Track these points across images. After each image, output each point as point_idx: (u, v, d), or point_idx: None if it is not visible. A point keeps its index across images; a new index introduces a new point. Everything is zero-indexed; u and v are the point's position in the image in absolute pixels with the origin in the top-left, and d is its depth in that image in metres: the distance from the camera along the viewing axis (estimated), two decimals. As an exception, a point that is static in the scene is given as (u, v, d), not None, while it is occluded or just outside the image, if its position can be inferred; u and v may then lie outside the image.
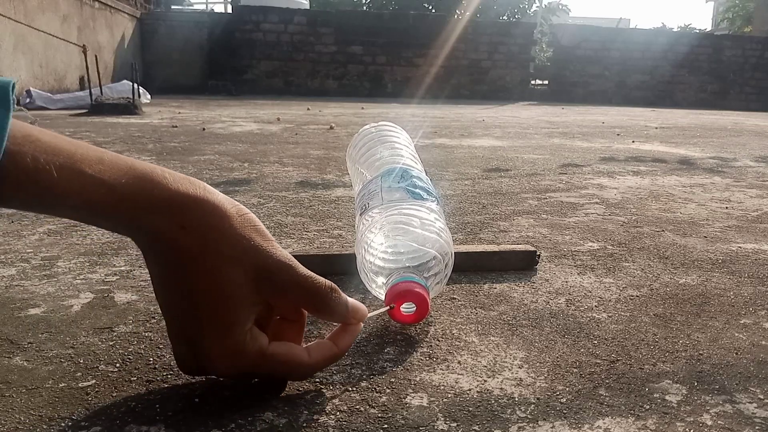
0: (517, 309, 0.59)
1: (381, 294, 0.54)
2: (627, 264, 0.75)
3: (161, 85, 6.59)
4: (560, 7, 20.10)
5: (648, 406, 0.41)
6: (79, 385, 0.42)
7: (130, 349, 0.48)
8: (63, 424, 0.37)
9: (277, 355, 0.40)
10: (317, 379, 0.44)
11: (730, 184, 1.46)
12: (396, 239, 0.56)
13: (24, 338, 0.50)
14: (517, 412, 0.40)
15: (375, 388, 0.43)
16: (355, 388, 0.43)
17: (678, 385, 0.44)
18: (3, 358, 0.46)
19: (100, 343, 0.49)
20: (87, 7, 5.48)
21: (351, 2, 16.74)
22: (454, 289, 0.64)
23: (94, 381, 0.43)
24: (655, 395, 0.43)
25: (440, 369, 0.46)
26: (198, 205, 0.37)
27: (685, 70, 8.68)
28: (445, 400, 0.41)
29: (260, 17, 7.58)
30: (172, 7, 8.79)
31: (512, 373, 0.46)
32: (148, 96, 4.68)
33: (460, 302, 0.60)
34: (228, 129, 2.61)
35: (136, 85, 3.93)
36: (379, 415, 0.39)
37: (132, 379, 0.43)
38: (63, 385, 0.42)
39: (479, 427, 0.38)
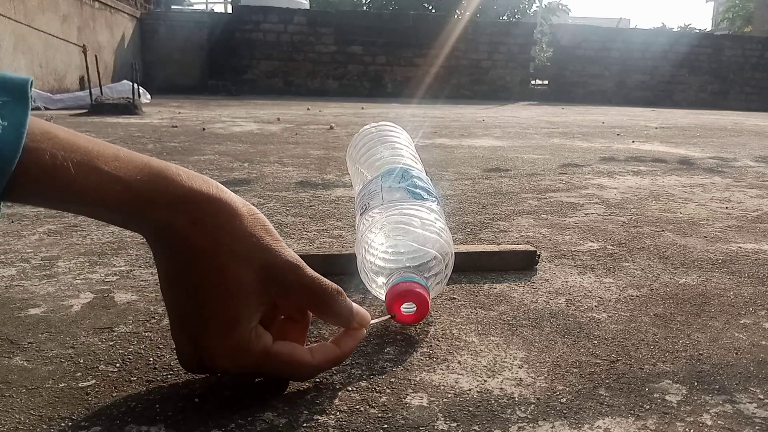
0: (517, 309, 0.59)
1: (381, 294, 0.54)
2: (627, 264, 0.75)
3: (161, 85, 6.60)
4: (560, 7, 20.10)
5: (648, 406, 0.41)
6: (79, 385, 0.42)
7: (130, 349, 0.48)
8: (63, 424, 0.37)
9: (281, 354, 0.40)
10: (317, 379, 0.44)
11: (730, 184, 1.46)
12: (396, 239, 0.56)
13: (24, 338, 0.50)
14: (517, 412, 0.40)
15: (375, 388, 0.43)
16: (355, 388, 0.43)
17: (678, 385, 0.44)
18: (3, 358, 0.46)
19: (100, 343, 0.49)
20: (87, 7, 5.48)
21: (351, 2, 16.74)
22: (454, 289, 0.64)
23: (94, 381, 0.43)
24: (655, 395, 0.43)
25: (440, 369, 0.46)
26: (210, 202, 0.38)
27: (685, 70, 8.68)
28: (445, 400, 0.41)
29: (260, 17, 7.58)
30: (172, 7, 8.79)
31: (512, 373, 0.46)
32: (148, 96, 4.68)
33: (460, 302, 0.60)
34: (228, 129, 2.61)
35: (136, 85, 3.93)
36: (379, 415, 0.39)
37: (132, 379, 0.43)
38: (63, 385, 0.42)
39: (479, 427, 0.38)
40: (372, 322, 0.46)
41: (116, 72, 6.08)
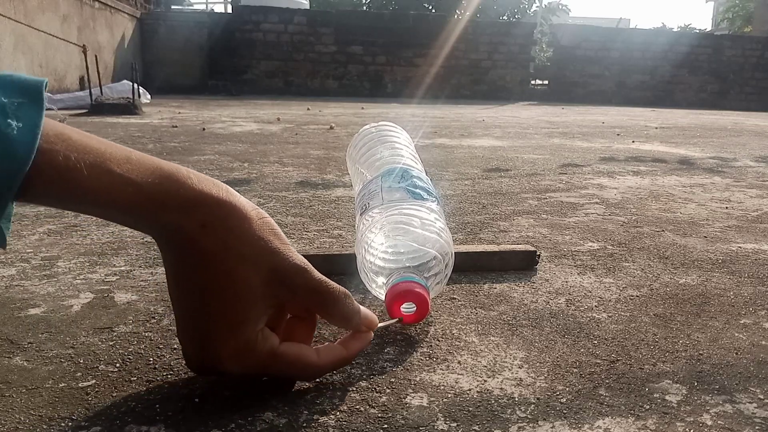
0: (517, 309, 0.59)
1: (381, 294, 0.54)
2: (627, 264, 0.75)
3: (161, 85, 6.60)
4: (560, 7, 20.10)
5: (648, 406, 0.41)
6: (79, 385, 0.42)
7: (130, 349, 0.48)
8: (63, 424, 0.37)
9: (287, 355, 0.40)
10: (317, 380, 0.44)
11: (730, 184, 1.46)
12: (396, 239, 0.56)
13: (24, 338, 0.50)
14: (517, 412, 0.40)
15: (375, 388, 0.43)
16: (355, 388, 0.43)
17: (678, 385, 0.44)
18: (3, 358, 0.46)
19: (100, 343, 0.49)
20: (87, 7, 5.48)
21: (351, 2, 16.74)
22: (454, 289, 0.64)
23: (94, 381, 0.43)
24: (655, 395, 0.43)
25: (440, 369, 0.46)
26: (220, 205, 0.38)
27: (685, 70, 8.68)
28: (445, 400, 0.42)
29: (260, 17, 7.58)
30: (172, 7, 8.79)
31: (512, 373, 0.46)
32: (148, 96, 4.68)
33: (460, 302, 0.60)
34: (228, 129, 2.61)
35: (136, 85, 3.93)
36: (379, 415, 0.39)
37: (132, 379, 0.43)
38: (63, 385, 0.42)
39: (479, 427, 0.38)
40: (380, 325, 0.46)
41: (116, 72, 6.07)
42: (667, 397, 0.43)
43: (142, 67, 6.79)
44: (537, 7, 17.03)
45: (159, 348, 0.48)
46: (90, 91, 3.80)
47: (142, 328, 0.52)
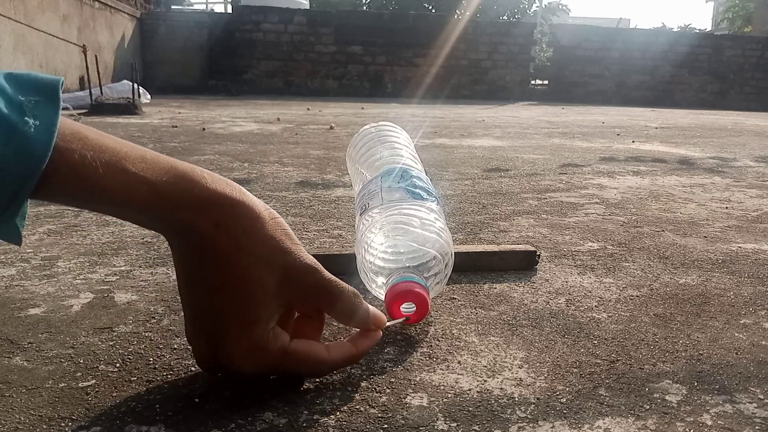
0: (517, 309, 0.59)
1: (381, 294, 0.54)
2: (627, 264, 0.75)
3: (161, 85, 6.60)
4: (560, 7, 20.10)
5: (648, 406, 0.41)
6: (79, 385, 0.42)
7: (130, 349, 0.48)
8: (63, 424, 0.37)
9: (299, 352, 0.41)
10: (317, 380, 0.44)
11: (730, 184, 1.46)
12: (396, 239, 0.56)
13: (24, 338, 0.50)
14: (517, 412, 0.40)
15: (375, 388, 0.43)
16: (355, 388, 0.43)
17: (678, 385, 0.44)
18: (3, 358, 0.46)
19: (100, 343, 0.49)
20: (87, 7, 5.48)
21: (351, 2, 16.74)
22: (454, 289, 0.64)
23: (94, 381, 0.43)
24: (655, 395, 0.43)
25: (440, 369, 0.46)
26: (234, 205, 0.38)
27: (685, 70, 8.68)
28: (445, 400, 0.42)
29: (260, 17, 7.58)
30: (172, 7, 8.79)
31: (512, 373, 0.46)
32: (148, 96, 4.68)
33: (460, 302, 0.60)
34: (228, 129, 2.61)
35: (136, 85, 3.93)
36: (379, 415, 0.39)
37: (132, 379, 0.43)
38: (63, 385, 0.42)
39: (479, 427, 0.38)
40: (387, 324, 0.47)
41: (116, 72, 6.07)
42: (667, 397, 0.43)
43: (142, 67, 6.79)
44: (537, 7, 17.03)
45: (159, 348, 0.48)
46: (90, 91, 3.80)
47: (142, 328, 0.52)
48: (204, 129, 2.57)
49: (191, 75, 7.36)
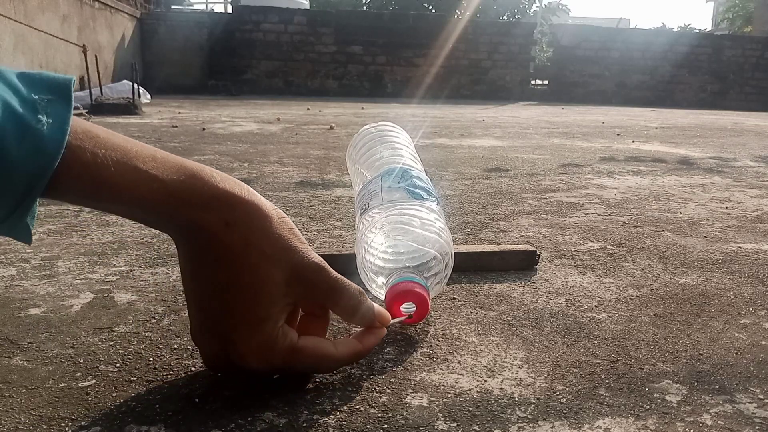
0: (517, 309, 0.59)
1: (381, 294, 0.54)
2: (627, 264, 0.75)
3: (161, 85, 6.59)
4: (560, 7, 20.10)
5: (648, 406, 0.41)
6: (79, 385, 0.42)
7: (130, 349, 0.48)
8: (63, 424, 0.37)
9: (307, 349, 0.41)
10: (317, 380, 0.44)
11: (730, 184, 1.46)
12: (396, 239, 0.56)
13: (24, 338, 0.50)
14: (517, 412, 0.40)
15: (375, 388, 0.43)
16: (355, 388, 0.43)
17: (678, 385, 0.44)
18: (3, 358, 0.46)
19: (100, 343, 0.49)
20: (87, 7, 5.48)
21: (351, 2, 16.74)
22: (454, 289, 0.64)
23: (94, 381, 0.43)
24: (655, 395, 0.43)
25: (440, 369, 0.46)
26: (243, 204, 0.39)
27: (685, 70, 8.68)
28: (445, 400, 0.42)
29: (260, 17, 7.58)
30: (172, 7, 8.79)
31: (512, 373, 0.46)
32: (148, 96, 4.68)
33: (460, 302, 0.60)
34: (228, 129, 2.61)
35: (136, 85, 3.93)
36: (379, 415, 0.39)
37: (132, 379, 0.43)
38: (63, 385, 0.42)
39: (479, 427, 0.38)
40: (392, 321, 0.48)
41: (116, 72, 6.07)
42: (667, 397, 0.43)
43: (142, 67, 6.79)
44: (537, 7, 17.03)
45: (159, 348, 0.48)
46: (90, 91, 3.80)
47: (142, 328, 0.52)
48: (204, 129, 2.57)
49: (191, 75, 7.36)
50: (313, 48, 7.73)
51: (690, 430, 0.39)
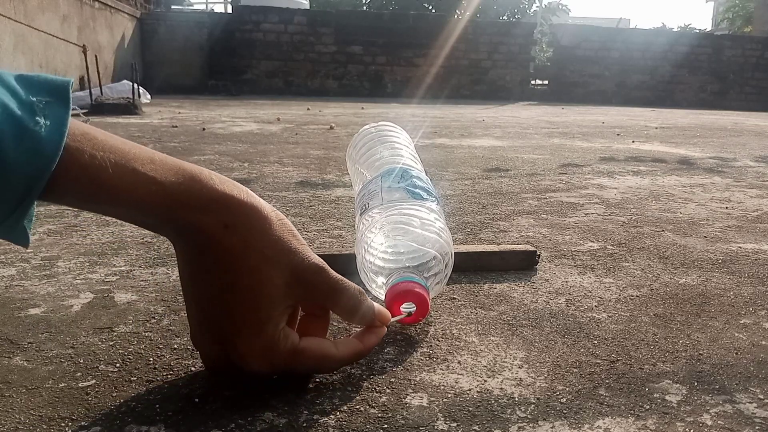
0: (517, 309, 0.59)
1: (381, 294, 0.54)
2: (627, 264, 0.75)
3: (161, 85, 6.59)
4: (560, 7, 20.09)
5: (648, 406, 0.41)
6: (79, 385, 0.42)
7: (130, 349, 0.48)
8: (63, 424, 0.37)
9: (309, 350, 0.41)
10: (317, 380, 0.44)
11: (730, 184, 1.46)
12: (396, 239, 0.56)
13: (24, 338, 0.50)
14: (517, 412, 0.40)
15: (375, 388, 0.43)
16: (355, 388, 0.43)
17: (678, 385, 0.44)
18: (3, 358, 0.46)
19: (100, 343, 0.49)
20: (87, 7, 5.48)
21: (351, 2, 16.74)
22: (454, 289, 0.64)
23: (94, 381, 0.43)
24: (655, 395, 0.43)
25: (440, 369, 0.46)
26: (241, 206, 0.39)
27: (685, 70, 8.68)
28: (445, 400, 0.42)
29: (260, 17, 7.58)
30: (172, 7, 8.79)
31: (512, 373, 0.46)
32: (148, 96, 4.68)
33: (460, 302, 0.60)
34: (228, 129, 2.61)
35: (136, 85, 3.93)
36: (379, 415, 0.39)
37: (132, 379, 0.43)
38: (63, 385, 0.42)
39: (479, 427, 0.38)
40: (392, 320, 0.48)
41: (116, 72, 6.07)
42: (667, 397, 0.43)
43: (142, 67, 6.79)
44: (537, 7, 17.03)
45: (159, 348, 0.48)
46: (90, 91, 3.80)
47: (142, 328, 0.52)
48: (204, 129, 2.57)
49: (191, 75, 7.36)
50: (313, 48, 7.73)
51: (690, 430, 0.39)
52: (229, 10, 9.77)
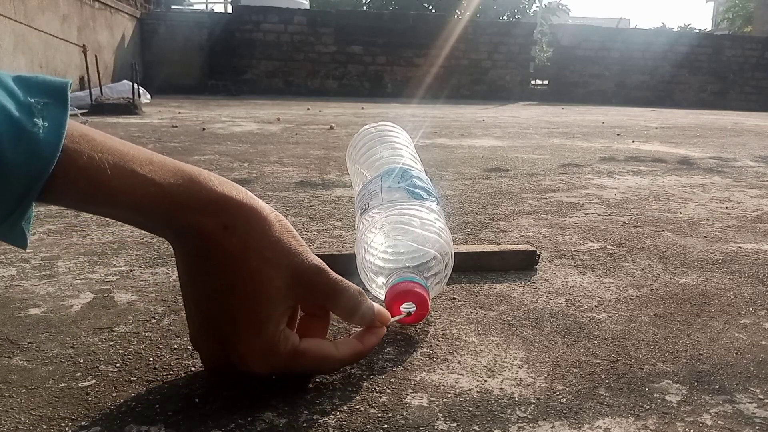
0: (517, 309, 0.59)
1: (381, 294, 0.54)
2: (627, 264, 0.75)
3: (161, 85, 6.59)
4: (560, 7, 20.09)
5: (648, 406, 0.41)
6: (79, 385, 0.42)
7: (130, 349, 0.48)
8: (63, 424, 0.37)
9: (309, 351, 0.41)
10: (317, 380, 0.44)
11: (730, 184, 1.46)
12: (396, 239, 0.56)
13: (24, 338, 0.50)
14: (517, 412, 0.40)
15: (375, 388, 0.43)
16: (355, 388, 0.43)
17: (678, 385, 0.44)
18: (3, 358, 0.46)
19: (100, 343, 0.49)
20: (87, 7, 5.48)
21: (351, 2, 16.74)
22: (454, 289, 0.64)
23: (94, 381, 0.43)
24: (655, 395, 0.43)
25: (440, 369, 0.46)
26: (241, 208, 0.39)
27: (685, 70, 8.68)
28: (445, 400, 0.42)
29: (260, 17, 7.58)
30: (172, 7, 8.78)
31: (512, 373, 0.46)
32: (148, 96, 4.68)
33: (460, 302, 0.60)
34: (228, 129, 2.61)
35: (136, 85, 3.93)
36: (379, 415, 0.39)
37: (132, 379, 0.43)
38: (63, 385, 0.42)
39: (479, 427, 0.38)
40: (392, 320, 0.48)
41: (116, 72, 6.07)
42: (667, 397, 0.43)
43: (142, 67, 6.79)
44: (537, 7, 17.03)
45: (159, 348, 0.48)
46: (90, 91, 3.80)
47: (142, 328, 0.52)
48: (204, 129, 2.57)
49: (191, 75, 7.36)
50: (313, 48, 7.73)
51: (690, 430, 0.39)
52: (229, 10, 9.77)
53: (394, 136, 0.77)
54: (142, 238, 0.81)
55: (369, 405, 0.41)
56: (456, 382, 0.44)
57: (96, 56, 4.53)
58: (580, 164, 1.75)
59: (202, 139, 2.17)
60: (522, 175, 1.50)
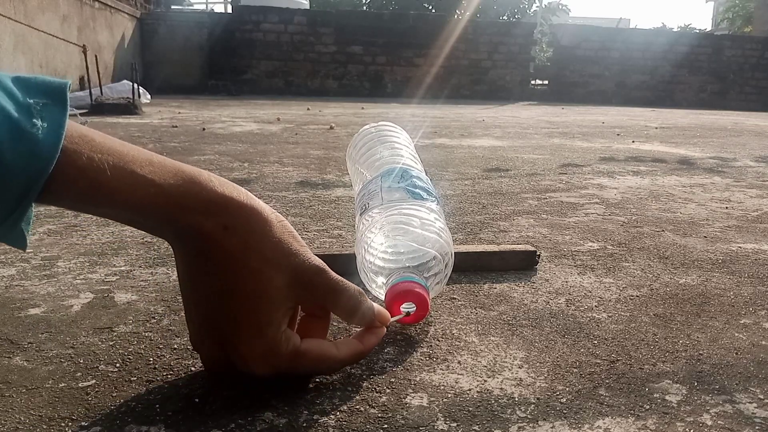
0: (517, 309, 0.59)
1: (381, 294, 0.54)
2: (627, 264, 0.75)
3: (161, 85, 6.59)
4: (560, 7, 20.09)
5: (648, 406, 0.41)
6: (79, 385, 0.42)
7: (130, 349, 0.48)
8: (63, 424, 0.37)
9: (310, 351, 0.41)
10: (317, 379, 0.44)
11: (730, 184, 1.46)
12: (396, 239, 0.56)
13: (24, 338, 0.50)
14: (517, 412, 0.40)
15: (375, 388, 0.43)
16: (355, 388, 0.43)
17: (678, 385, 0.44)
18: (3, 358, 0.46)
19: (100, 343, 0.49)
20: (87, 7, 5.48)
21: (351, 2, 16.74)
22: (454, 289, 0.64)
23: (94, 381, 0.43)
24: (655, 395, 0.43)
25: (440, 369, 0.46)
26: (241, 208, 0.39)
27: (685, 70, 8.67)
28: (445, 400, 0.42)
29: (260, 17, 7.58)
30: (172, 7, 8.78)
31: (512, 373, 0.46)
32: (148, 96, 4.68)
33: (460, 302, 0.60)
34: (228, 129, 2.61)
35: (136, 85, 3.93)
36: (379, 415, 0.39)
37: (132, 379, 0.43)
38: (63, 385, 0.42)
39: (479, 427, 0.38)
40: (392, 320, 0.48)
41: (116, 72, 6.07)
42: (667, 397, 0.43)
43: (142, 67, 6.79)
44: (537, 7, 17.03)
45: (159, 348, 0.48)
46: (90, 91, 3.80)
47: (142, 328, 0.52)
48: (204, 129, 2.57)
49: (191, 75, 7.36)
50: (313, 48, 7.73)
51: (690, 430, 0.39)
52: (229, 10, 9.77)
53: (394, 136, 0.77)
54: (142, 238, 0.81)
55: (369, 405, 0.41)
56: (456, 382, 0.44)
57: (96, 56, 4.53)
58: (580, 164, 1.75)
59: (202, 139, 2.17)
60: (522, 175, 1.50)
